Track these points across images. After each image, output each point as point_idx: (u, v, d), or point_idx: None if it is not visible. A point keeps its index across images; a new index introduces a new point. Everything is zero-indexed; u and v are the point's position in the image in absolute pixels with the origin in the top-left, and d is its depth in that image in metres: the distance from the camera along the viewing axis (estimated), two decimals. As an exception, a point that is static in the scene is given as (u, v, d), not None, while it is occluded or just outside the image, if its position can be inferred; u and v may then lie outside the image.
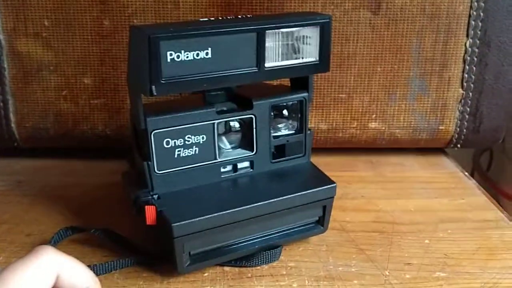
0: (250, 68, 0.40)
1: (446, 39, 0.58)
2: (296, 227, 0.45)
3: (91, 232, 0.45)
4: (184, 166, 0.43)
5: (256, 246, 0.43)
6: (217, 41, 0.38)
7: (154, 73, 0.36)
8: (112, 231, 0.45)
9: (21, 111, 0.59)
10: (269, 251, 0.44)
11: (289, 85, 0.47)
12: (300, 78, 0.45)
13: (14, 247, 0.45)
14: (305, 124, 0.46)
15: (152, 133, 0.41)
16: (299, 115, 0.46)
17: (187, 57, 0.37)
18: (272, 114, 0.45)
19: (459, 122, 0.61)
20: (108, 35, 0.57)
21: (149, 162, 0.41)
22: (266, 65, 0.40)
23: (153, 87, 0.37)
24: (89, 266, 0.41)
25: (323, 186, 0.44)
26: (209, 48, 0.38)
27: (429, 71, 0.59)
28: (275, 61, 0.41)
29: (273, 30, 0.40)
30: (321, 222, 0.46)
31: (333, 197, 0.45)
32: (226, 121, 0.44)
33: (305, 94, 0.45)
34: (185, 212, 0.40)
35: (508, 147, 0.85)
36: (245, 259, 0.43)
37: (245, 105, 0.44)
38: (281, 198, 0.42)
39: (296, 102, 0.45)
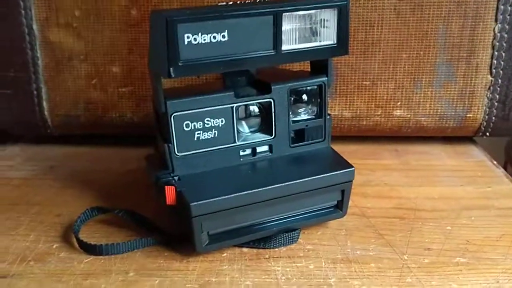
0: (267, 51, 0.40)
1: (473, 24, 0.57)
2: (315, 211, 0.45)
3: (115, 213, 0.46)
4: (204, 148, 0.43)
5: (274, 229, 0.44)
6: (233, 23, 0.38)
7: (172, 55, 0.37)
8: (135, 212, 0.47)
9: (53, 99, 0.61)
10: (287, 234, 0.44)
11: (309, 70, 0.48)
12: (319, 63, 0.46)
13: (44, 226, 0.48)
14: (325, 109, 0.46)
15: (172, 115, 0.42)
16: (319, 100, 0.46)
17: (204, 39, 0.38)
18: (291, 98, 0.45)
19: (487, 109, 0.60)
20: (136, 24, 0.58)
21: (170, 144, 0.42)
22: (283, 48, 0.41)
23: (171, 69, 0.38)
24: (112, 244, 0.43)
25: (341, 169, 0.44)
26: (226, 31, 0.38)
27: (456, 57, 0.58)
28: (293, 44, 0.41)
29: (290, 13, 0.40)
30: (340, 207, 0.46)
31: (351, 181, 0.45)
32: (245, 105, 0.44)
33: (324, 79, 0.45)
34: (204, 192, 0.41)
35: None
36: (263, 241, 0.44)
37: (264, 89, 0.44)
38: (299, 180, 0.42)
39: (315, 86, 0.46)
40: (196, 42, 0.38)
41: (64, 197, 0.53)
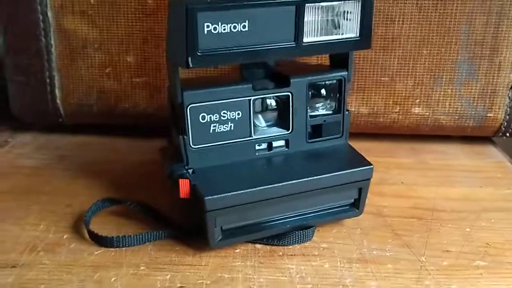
0: (288, 43, 0.39)
1: (497, 22, 0.55)
2: (331, 209, 0.44)
3: (127, 205, 0.46)
4: (219, 141, 0.43)
5: (289, 225, 0.43)
6: (254, 13, 0.37)
7: (190, 44, 0.36)
8: (147, 204, 0.46)
9: (66, 87, 0.61)
10: (301, 231, 0.43)
11: (329, 64, 0.46)
12: (339, 57, 0.44)
13: (54, 216, 0.47)
14: (344, 104, 0.45)
15: (188, 107, 0.41)
16: (338, 95, 0.45)
17: (224, 29, 0.37)
18: (309, 93, 0.44)
19: (509, 109, 0.58)
20: (152, 14, 0.57)
21: (185, 136, 0.41)
22: (305, 40, 0.40)
23: (190, 58, 0.37)
24: (124, 236, 0.42)
25: (359, 167, 0.43)
26: (247, 21, 0.37)
27: (479, 55, 0.57)
28: (314, 36, 0.40)
29: (312, 4, 0.39)
30: (357, 205, 0.45)
31: (369, 179, 0.43)
32: (262, 99, 0.43)
33: (344, 73, 0.44)
34: (218, 187, 0.40)
35: None
36: (277, 237, 0.43)
37: (282, 82, 0.43)
38: (315, 177, 0.41)
39: (334, 81, 0.44)
40: (216, 32, 0.37)
41: (75, 187, 0.52)
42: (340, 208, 0.45)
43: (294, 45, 0.39)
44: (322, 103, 0.45)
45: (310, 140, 0.45)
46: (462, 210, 0.49)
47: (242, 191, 0.40)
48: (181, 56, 0.37)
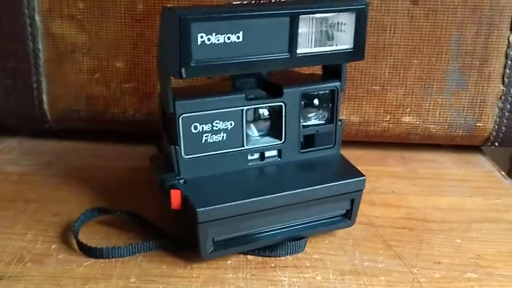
0: (282, 54, 0.39)
1: (488, 32, 0.56)
2: (323, 219, 0.44)
3: (116, 214, 0.45)
4: (211, 152, 0.42)
5: (281, 237, 0.43)
6: (249, 24, 0.37)
7: (184, 55, 0.36)
8: (137, 214, 0.45)
9: (54, 93, 0.60)
10: (293, 242, 0.43)
11: (321, 74, 0.46)
12: (332, 67, 0.44)
13: (41, 225, 0.46)
14: (336, 114, 0.45)
15: (181, 117, 0.40)
16: (330, 105, 0.45)
17: (218, 40, 0.36)
18: (302, 103, 0.44)
19: (498, 119, 0.59)
20: (142, 19, 0.56)
21: (176, 146, 0.41)
22: (299, 51, 0.39)
23: (183, 69, 0.36)
24: (113, 247, 0.41)
25: (352, 178, 0.43)
26: (241, 32, 0.37)
27: (469, 65, 0.57)
28: (308, 48, 0.40)
29: (307, 15, 0.39)
30: (349, 216, 0.45)
31: (362, 190, 0.43)
32: (255, 108, 0.43)
33: (337, 83, 0.44)
34: (210, 198, 0.39)
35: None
36: (269, 248, 0.43)
37: (275, 92, 0.43)
38: (308, 188, 0.41)
39: (327, 91, 0.44)
40: (209, 43, 0.36)
41: (62, 194, 0.51)
42: (332, 219, 0.44)
43: (287, 56, 0.39)
44: (314, 113, 0.45)
45: (302, 150, 0.45)
46: (452, 220, 0.49)
47: (235, 203, 0.39)
48: (174, 66, 0.37)
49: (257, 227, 0.42)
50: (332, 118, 0.45)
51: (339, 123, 0.45)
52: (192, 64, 0.36)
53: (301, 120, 0.44)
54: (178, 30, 0.35)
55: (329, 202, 0.42)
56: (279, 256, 0.43)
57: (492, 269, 0.42)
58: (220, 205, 0.39)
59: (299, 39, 0.39)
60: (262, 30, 0.38)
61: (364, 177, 0.43)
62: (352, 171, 0.44)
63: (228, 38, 0.37)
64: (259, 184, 0.42)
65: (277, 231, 0.43)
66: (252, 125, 0.44)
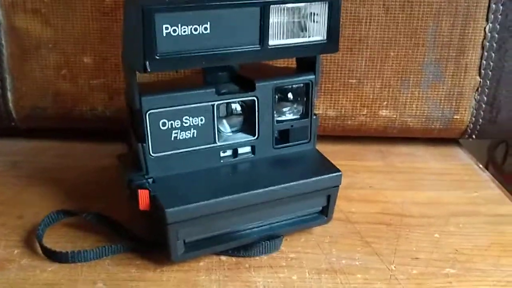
0: (253, 46, 0.37)
1: (464, 23, 0.55)
2: (298, 217, 0.43)
3: (83, 216, 0.43)
4: (181, 149, 0.40)
5: (255, 236, 0.41)
6: (217, 15, 0.35)
7: (148, 48, 0.34)
8: (104, 215, 0.44)
9: (19, 90, 0.57)
10: (269, 241, 0.41)
11: (295, 67, 0.45)
12: (306, 60, 0.43)
13: (4, 229, 0.44)
14: (311, 108, 0.44)
15: (147, 113, 0.38)
16: (305, 99, 0.44)
17: (184, 31, 0.35)
18: (276, 97, 0.42)
19: (475, 111, 0.58)
20: (109, 12, 0.54)
21: (144, 144, 0.39)
22: (270, 43, 0.38)
23: (147, 63, 0.34)
24: (79, 251, 0.39)
25: (327, 174, 0.41)
26: (208, 23, 0.35)
27: (445, 57, 0.56)
28: (280, 39, 0.38)
29: (278, 5, 0.37)
30: (325, 212, 0.43)
31: (338, 186, 0.42)
32: (227, 103, 0.41)
33: (311, 77, 0.43)
34: (180, 197, 0.38)
35: (525, 140, 0.82)
36: (243, 248, 0.41)
37: (247, 86, 0.41)
38: (282, 185, 0.40)
39: (301, 85, 0.43)
40: (175, 34, 0.35)
41: (27, 196, 0.49)
42: (308, 216, 0.43)
43: (258, 48, 0.38)
44: (289, 107, 0.44)
45: (277, 146, 0.43)
46: (430, 215, 0.48)
47: (206, 202, 0.38)
48: (138, 59, 0.35)
49: (230, 226, 0.40)
50: (307, 113, 0.44)
51: (314, 117, 0.44)
52: (157, 57, 0.35)
53: (275, 115, 0.43)
54: (141, 21, 0.33)
55: (304, 199, 0.41)
56: (254, 256, 0.41)
57: (470, 264, 0.41)
58: (191, 205, 0.37)
59: (270, 30, 0.38)
60: (231, 21, 0.36)
61: (340, 173, 0.42)
62: (328, 167, 0.42)
63: (195, 29, 0.35)
64: (232, 182, 0.40)
65: (252, 230, 0.41)
66: (224, 121, 0.42)
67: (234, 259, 0.41)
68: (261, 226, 0.42)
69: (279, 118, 0.43)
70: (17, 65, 0.56)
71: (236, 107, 0.42)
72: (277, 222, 0.42)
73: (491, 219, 0.47)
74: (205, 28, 0.35)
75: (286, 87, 0.43)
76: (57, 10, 0.54)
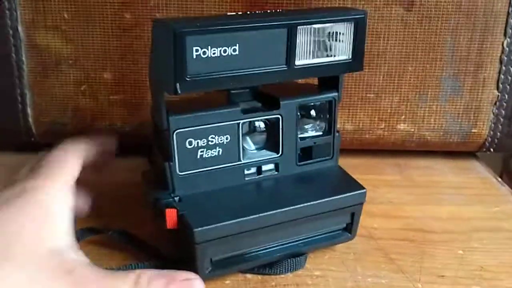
0: (280, 66, 0.38)
1: (482, 38, 0.55)
2: (323, 234, 0.43)
3: (108, 234, 0.43)
4: (207, 167, 0.41)
5: (280, 254, 0.41)
6: (245, 36, 0.36)
7: (179, 69, 0.34)
8: (129, 233, 0.44)
9: (39, 106, 0.58)
10: (293, 259, 0.42)
11: (317, 83, 0.45)
12: (329, 77, 0.43)
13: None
14: (334, 125, 0.44)
15: (175, 132, 0.39)
16: (328, 116, 0.44)
17: (214, 53, 0.35)
18: (299, 114, 0.42)
19: (493, 125, 0.58)
20: (129, 29, 0.55)
21: (171, 163, 0.39)
22: (297, 63, 0.38)
23: (178, 84, 0.35)
24: (106, 269, 0.39)
25: (352, 191, 0.42)
26: (237, 44, 0.36)
27: (463, 71, 0.56)
28: (306, 59, 0.39)
29: (305, 26, 0.37)
30: (349, 229, 0.43)
31: (362, 204, 0.42)
32: (251, 121, 0.41)
33: (334, 94, 0.43)
34: (208, 217, 0.38)
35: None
36: (268, 266, 0.41)
37: (271, 104, 0.41)
38: (307, 203, 0.40)
39: (324, 102, 0.43)
40: (205, 56, 0.35)
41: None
42: (332, 233, 0.43)
43: (285, 68, 0.38)
44: (312, 125, 0.44)
45: (300, 163, 0.43)
46: (452, 230, 0.48)
47: (233, 221, 0.38)
48: (168, 81, 0.35)
49: (256, 244, 0.41)
50: (329, 129, 0.44)
51: (337, 134, 0.44)
52: (187, 79, 0.35)
53: (298, 132, 0.43)
54: (172, 44, 0.34)
55: (329, 216, 0.41)
56: (279, 274, 0.41)
57: (496, 282, 0.41)
58: (218, 224, 0.37)
59: (297, 51, 0.38)
60: (259, 42, 0.36)
61: (364, 190, 0.42)
62: (352, 184, 0.42)
63: (225, 51, 0.35)
64: (257, 200, 0.41)
65: (277, 248, 0.42)
66: (248, 138, 0.43)
67: (260, 277, 0.41)
68: (286, 243, 0.42)
69: (302, 135, 0.43)
70: (37, 81, 0.57)
71: (260, 124, 0.42)
72: (302, 239, 0.42)
73: (514, 234, 0.47)
74: (234, 50, 0.36)
75: (309, 104, 0.43)
76: (78, 27, 0.55)
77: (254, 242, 0.40)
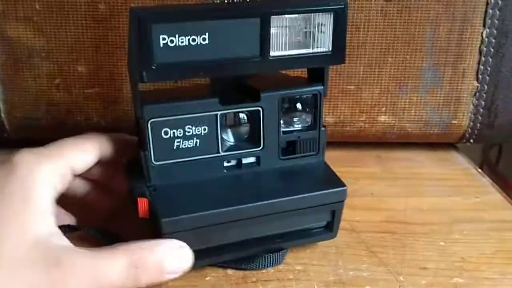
0: (253, 57, 0.37)
1: (461, 29, 0.55)
2: (302, 231, 0.42)
3: (84, 232, 0.42)
4: (184, 158, 0.40)
5: (258, 249, 0.40)
6: (215, 25, 0.35)
7: (145, 58, 0.34)
8: (106, 229, 0.43)
9: (11, 100, 0.56)
10: (271, 254, 0.41)
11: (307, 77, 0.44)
12: (317, 70, 0.42)
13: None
14: (319, 120, 0.42)
15: (149, 121, 0.38)
16: (313, 110, 0.42)
17: (182, 42, 0.34)
18: (284, 106, 0.41)
19: (472, 116, 0.58)
20: (104, 20, 0.53)
21: (146, 152, 0.39)
22: (272, 54, 0.37)
23: (144, 73, 0.34)
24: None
25: (332, 188, 0.40)
26: (207, 33, 0.35)
27: (443, 62, 0.56)
28: (282, 50, 0.37)
29: (279, 16, 0.36)
30: (330, 228, 0.42)
31: (343, 201, 0.41)
32: (232, 113, 0.40)
33: (319, 87, 0.41)
34: (178, 207, 0.37)
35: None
36: (246, 261, 0.41)
37: (252, 96, 0.40)
38: (283, 199, 0.39)
39: (310, 95, 0.42)
40: (173, 45, 0.34)
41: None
42: (313, 231, 0.42)
43: (259, 59, 0.37)
44: (297, 118, 0.43)
45: (283, 157, 0.42)
46: (434, 222, 0.48)
47: (204, 213, 0.37)
48: (136, 69, 0.35)
49: (231, 238, 0.40)
50: (315, 124, 0.43)
51: (323, 129, 0.43)
52: (153, 67, 0.34)
53: (283, 126, 0.42)
54: (137, 31, 0.33)
55: (308, 213, 0.40)
56: (256, 269, 0.40)
57: (477, 273, 0.41)
58: (188, 215, 0.37)
59: (272, 41, 0.37)
60: (231, 32, 0.36)
61: (345, 188, 0.40)
62: (333, 181, 0.41)
63: (193, 40, 0.35)
64: (233, 193, 0.40)
65: (254, 242, 0.41)
66: (228, 130, 0.42)
67: (241, 272, 0.40)
68: (265, 238, 0.41)
69: (287, 129, 0.42)
70: (9, 74, 0.55)
71: (243, 116, 0.41)
72: (280, 235, 0.41)
73: (494, 225, 0.48)
74: (204, 39, 0.35)
75: (294, 97, 0.42)
76: (50, 18, 0.53)
77: (229, 235, 0.39)
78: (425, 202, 0.51)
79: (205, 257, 0.39)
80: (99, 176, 0.43)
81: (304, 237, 0.42)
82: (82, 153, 0.40)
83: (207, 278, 0.40)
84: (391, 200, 0.51)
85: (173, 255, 0.36)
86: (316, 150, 0.43)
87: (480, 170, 0.59)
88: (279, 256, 0.41)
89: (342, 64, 0.55)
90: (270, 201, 0.39)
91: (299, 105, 0.42)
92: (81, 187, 0.43)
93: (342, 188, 0.40)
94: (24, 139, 0.59)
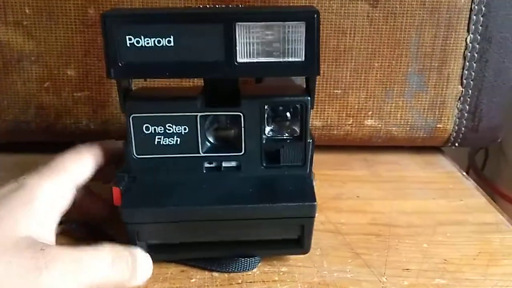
0: (218, 62, 0.37)
1: (446, 34, 0.56)
2: (274, 242, 0.41)
3: (67, 226, 0.43)
4: (164, 154, 0.41)
5: (227, 252, 0.41)
6: (180, 29, 0.36)
7: (112, 55, 0.36)
8: (91, 224, 0.44)
9: (0, 104, 0.56)
10: (244, 259, 0.41)
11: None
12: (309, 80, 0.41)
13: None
14: (305, 131, 0.41)
15: (131, 116, 0.40)
16: (300, 120, 0.42)
17: (148, 43, 0.36)
18: (269, 115, 0.42)
19: (457, 120, 0.59)
20: (93, 25, 0.54)
21: (128, 144, 0.41)
22: (239, 60, 0.37)
23: (112, 70, 0.37)
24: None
25: (300, 202, 0.39)
26: (172, 36, 0.36)
27: (428, 67, 0.57)
28: (251, 57, 0.37)
29: (245, 23, 0.36)
30: (301, 243, 0.40)
31: (313, 218, 0.39)
32: (215, 116, 0.41)
33: (305, 98, 0.40)
34: (144, 199, 0.39)
35: (505, 145, 0.84)
36: (218, 263, 0.41)
37: (234, 101, 0.41)
38: (247, 205, 0.38)
39: (297, 106, 0.41)
40: (139, 45, 0.36)
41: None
42: (285, 243, 0.41)
43: (225, 64, 0.37)
44: (284, 127, 0.42)
45: (266, 165, 0.42)
46: (418, 224, 0.48)
47: (164, 208, 0.38)
48: (106, 66, 0.37)
49: (198, 237, 0.40)
50: (301, 135, 0.42)
51: (309, 141, 0.42)
52: (120, 65, 0.37)
53: (269, 133, 0.42)
54: (105, 31, 0.36)
55: (276, 224, 0.39)
56: (227, 272, 0.41)
57: (459, 274, 0.42)
58: (148, 208, 0.38)
59: (239, 48, 0.37)
60: (195, 36, 0.37)
61: (314, 203, 0.38)
62: (305, 195, 0.39)
63: (159, 41, 0.36)
64: (203, 194, 0.40)
65: (224, 245, 0.41)
66: (212, 132, 0.42)
67: (226, 275, 0.41)
68: (235, 243, 0.41)
69: (271, 137, 0.42)
70: (-2, 78, 0.55)
71: (227, 120, 0.42)
72: (251, 242, 0.41)
73: (477, 227, 0.48)
74: (169, 41, 0.36)
75: (281, 105, 0.42)
76: (40, 22, 0.53)
77: (196, 234, 0.40)
78: (410, 204, 0.52)
79: (170, 253, 0.41)
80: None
81: (274, 248, 0.41)
82: (83, 167, 0.41)
83: (193, 280, 0.40)
84: (377, 203, 0.52)
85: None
86: (302, 162, 0.42)
87: (464, 173, 0.60)
88: (251, 262, 0.41)
89: (329, 69, 0.57)
90: (233, 206, 0.39)
91: (288, 115, 0.42)
92: (76, 194, 0.44)
93: (311, 203, 0.38)
94: (13, 143, 0.59)
